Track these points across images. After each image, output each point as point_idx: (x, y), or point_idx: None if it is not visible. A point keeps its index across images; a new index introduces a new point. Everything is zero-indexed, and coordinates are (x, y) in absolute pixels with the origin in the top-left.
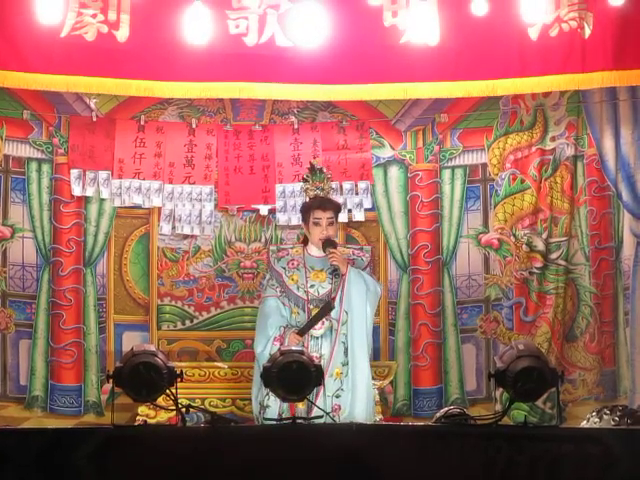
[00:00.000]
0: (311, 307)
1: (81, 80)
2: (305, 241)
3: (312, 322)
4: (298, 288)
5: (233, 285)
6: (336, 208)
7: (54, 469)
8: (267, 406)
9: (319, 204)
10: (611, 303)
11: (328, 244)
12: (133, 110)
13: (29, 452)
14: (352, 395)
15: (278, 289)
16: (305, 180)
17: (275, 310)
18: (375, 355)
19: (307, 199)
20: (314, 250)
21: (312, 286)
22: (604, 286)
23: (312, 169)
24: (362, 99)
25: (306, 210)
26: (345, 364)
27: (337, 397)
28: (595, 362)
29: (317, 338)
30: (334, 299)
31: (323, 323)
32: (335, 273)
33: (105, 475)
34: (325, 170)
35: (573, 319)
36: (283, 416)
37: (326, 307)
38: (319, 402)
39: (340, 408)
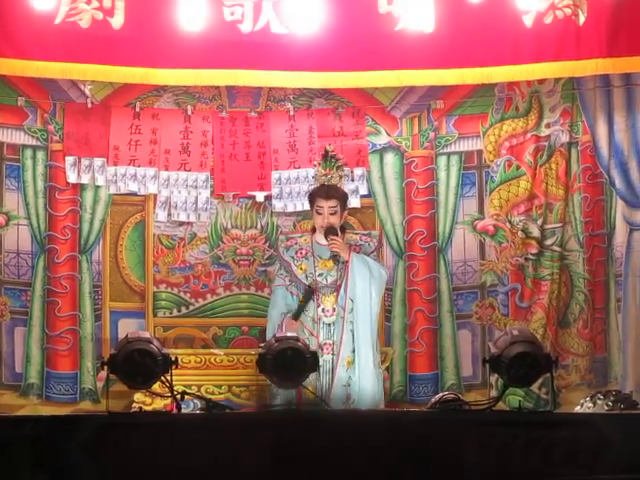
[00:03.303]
0: (320, 296)
1: (76, 67)
2: (314, 229)
3: (301, 307)
4: (307, 277)
5: (229, 272)
6: (341, 197)
7: (49, 456)
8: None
9: (322, 193)
10: (603, 290)
11: (329, 231)
12: (128, 97)
13: (23, 440)
14: (359, 383)
15: (287, 278)
16: (316, 165)
17: (282, 299)
18: None
19: (316, 184)
20: (321, 238)
21: (320, 275)
22: (596, 273)
23: (325, 155)
24: (357, 86)
25: (311, 198)
26: (354, 351)
27: (349, 386)
28: (588, 348)
29: (329, 325)
30: (340, 287)
31: (334, 310)
32: (336, 259)
33: (100, 462)
34: (338, 157)
35: (567, 305)
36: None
37: (308, 292)
38: (335, 392)
39: (350, 397)
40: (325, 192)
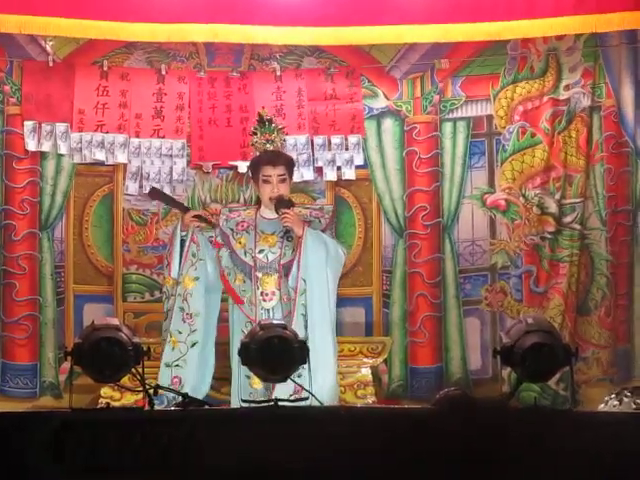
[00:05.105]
0: (259, 275)
1: (35, 20)
2: (258, 202)
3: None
4: (245, 253)
5: None
6: (288, 163)
7: (6, 457)
8: None
9: (268, 159)
10: (627, 273)
11: (281, 204)
12: (94, 54)
13: None
14: (313, 376)
15: (222, 245)
16: (253, 133)
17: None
18: (367, 330)
19: (256, 154)
20: (267, 212)
21: (261, 251)
22: (620, 254)
23: (260, 120)
24: (352, 43)
25: (254, 167)
26: (306, 339)
27: (299, 377)
28: (610, 339)
29: (268, 310)
30: (290, 266)
31: (274, 294)
32: (287, 235)
33: (62, 464)
34: (275, 120)
35: (587, 290)
36: None
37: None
38: (279, 385)
39: (300, 391)
40: (271, 158)
